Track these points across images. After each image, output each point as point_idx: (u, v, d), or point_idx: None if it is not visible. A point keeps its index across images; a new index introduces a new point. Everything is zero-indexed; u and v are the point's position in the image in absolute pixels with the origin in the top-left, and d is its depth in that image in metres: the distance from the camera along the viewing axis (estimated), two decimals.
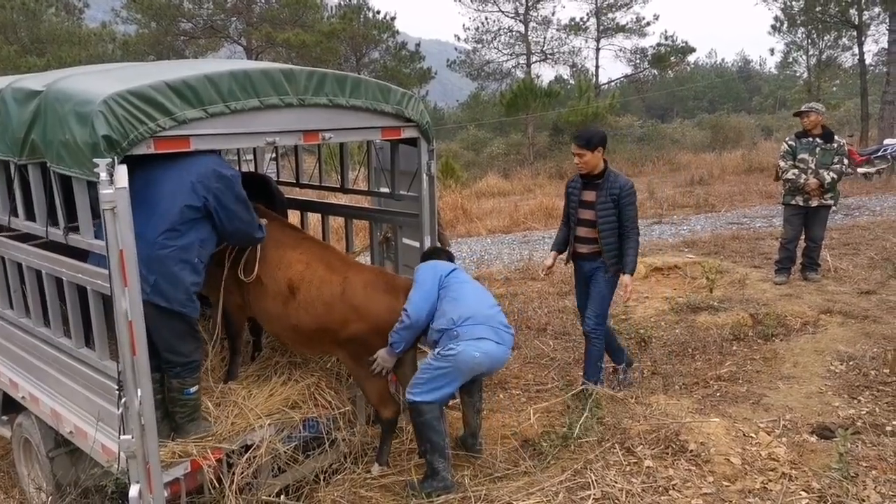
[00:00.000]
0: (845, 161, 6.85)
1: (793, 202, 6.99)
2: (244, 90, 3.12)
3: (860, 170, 15.93)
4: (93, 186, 2.77)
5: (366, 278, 3.79)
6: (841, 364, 4.95)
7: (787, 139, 7.17)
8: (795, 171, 6.85)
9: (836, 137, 6.92)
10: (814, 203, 6.87)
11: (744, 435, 3.94)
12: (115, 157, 2.67)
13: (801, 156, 6.87)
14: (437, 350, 3.58)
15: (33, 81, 3.28)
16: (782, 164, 7.00)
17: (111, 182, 2.62)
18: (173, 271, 3.13)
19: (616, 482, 3.47)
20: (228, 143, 3.30)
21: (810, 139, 6.89)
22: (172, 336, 3.26)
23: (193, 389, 3.37)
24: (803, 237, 7.16)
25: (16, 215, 3.56)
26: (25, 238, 3.62)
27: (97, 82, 3.00)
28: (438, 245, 4.38)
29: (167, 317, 3.18)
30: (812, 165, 6.79)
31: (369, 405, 4.04)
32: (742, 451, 3.75)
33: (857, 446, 3.75)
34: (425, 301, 3.63)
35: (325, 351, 3.93)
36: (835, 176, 6.75)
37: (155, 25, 26.33)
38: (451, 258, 4.15)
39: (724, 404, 4.43)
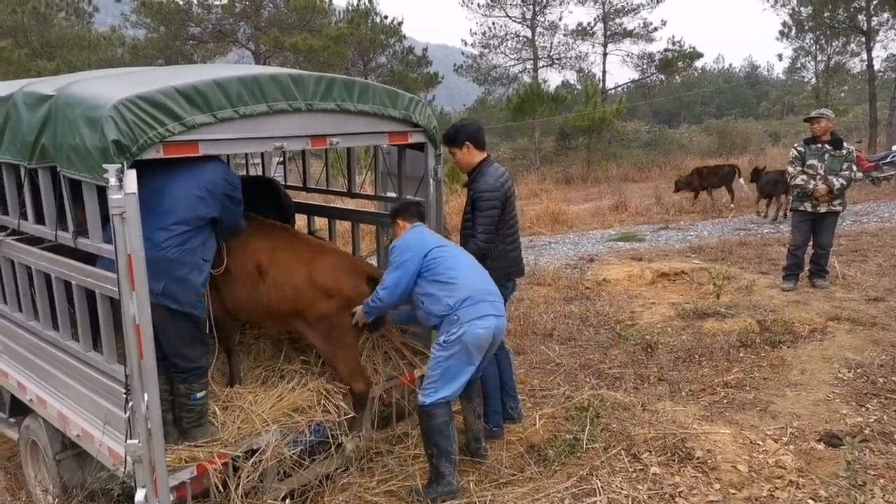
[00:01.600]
0: (854, 167, 6.82)
1: (801, 208, 6.97)
2: (253, 95, 3.14)
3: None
4: (102, 191, 2.79)
5: (333, 262, 3.93)
6: (849, 371, 4.92)
7: (795, 145, 7.17)
8: (804, 176, 6.84)
9: (844, 144, 6.91)
10: (822, 209, 6.84)
11: (751, 442, 3.92)
12: (125, 162, 2.69)
13: (810, 162, 6.85)
14: (441, 338, 3.54)
15: (44, 85, 3.30)
16: (791, 169, 6.99)
17: (120, 187, 2.63)
18: (182, 274, 3.17)
19: (622, 489, 3.46)
20: (237, 148, 3.32)
21: (819, 145, 6.87)
22: (181, 340, 3.28)
23: (200, 395, 3.39)
24: (811, 243, 7.13)
25: (25, 219, 3.59)
26: (33, 241, 3.65)
27: (107, 87, 3.02)
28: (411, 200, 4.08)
29: (177, 318, 3.21)
30: (821, 171, 6.77)
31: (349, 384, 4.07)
32: (749, 458, 3.74)
33: (865, 454, 3.73)
34: (399, 286, 3.58)
35: (295, 330, 3.99)
36: (844, 182, 6.72)
37: (164, 30, 26.49)
38: (421, 214, 3.96)
39: (730, 411, 4.41)
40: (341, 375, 3.93)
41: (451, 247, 3.79)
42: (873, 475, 3.54)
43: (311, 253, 3.92)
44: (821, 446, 3.90)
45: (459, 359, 3.53)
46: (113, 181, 2.61)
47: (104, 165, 2.65)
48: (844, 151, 6.82)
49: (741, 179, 14.15)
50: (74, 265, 3.23)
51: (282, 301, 3.76)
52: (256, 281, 3.75)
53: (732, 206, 14.06)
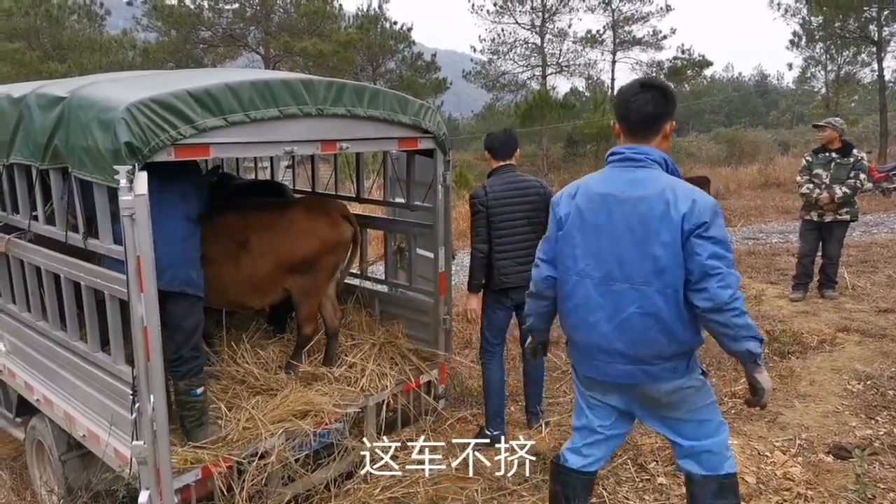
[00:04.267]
0: (862, 176, 6.74)
1: (807, 217, 6.97)
2: (264, 100, 3.15)
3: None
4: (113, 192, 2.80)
5: (304, 206, 4.22)
6: (858, 383, 4.89)
7: (805, 155, 7.21)
8: (810, 185, 6.84)
9: (854, 151, 6.84)
10: (828, 218, 6.81)
11: (759, 454, 3.89)
12: (136, 164, 2.71)
13: (815, 171, 6.86)
14: None
15: (57, 87, 3.32)
16: (798, 178, 7.04)
17: (131, 189, 2.65)
18: (193, 255, 3.42)
19: (628, 498, 3.44)
20: (248, 152, 3.34)
21: (826, 154, 6.86)
22: (196, 327, 3.42)
23: (200, 391, 3.42)
24: (820, 254, 7.10)
25: (36, 219, 3.61)
26: (39, 241, 3.68)
27: (120, 89, 3.04)
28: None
29: (195, 305, 3.40)
30: (825, 180, 6.75)
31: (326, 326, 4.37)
32: (757, 469, 3.71)
33: (874, 467, 3.70)
34: (548, 263, 2.68)
35: (280, 286, 4.08)
36: (847, 191, 6.66)
37: (175, 33, 26.63)
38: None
39: (738, 422, 4.38)
40: (300, 315, 4.18)
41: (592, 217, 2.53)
42: (883, 488, 3.51)
43: (283, 208, 4.18)
44: (829, 458, 3.87)
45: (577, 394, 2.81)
46: (124, 182, 2.63)
47: (115, 167, 2.67)
48: (851, 159, 6.76)
49: None
50: (84, 265, 3.25)
51: (269, 263, 3.95)
52: (238, 255, 3.92)
53: None
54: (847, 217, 6.84)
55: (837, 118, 7.23)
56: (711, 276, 2.29)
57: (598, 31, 32.51)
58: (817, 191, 6.77)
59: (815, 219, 6.89)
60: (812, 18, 27.11)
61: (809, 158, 7.00)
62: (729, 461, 2.61)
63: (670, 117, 2.52)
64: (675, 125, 2.65)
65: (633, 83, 2.54)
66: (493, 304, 4.20)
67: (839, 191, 6.65)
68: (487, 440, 4.14)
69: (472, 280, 4.15)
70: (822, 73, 31.00)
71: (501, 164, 4.19)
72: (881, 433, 4.14)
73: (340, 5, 28.23)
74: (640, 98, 2.48)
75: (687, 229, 2.32)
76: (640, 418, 2.71)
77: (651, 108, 2.47)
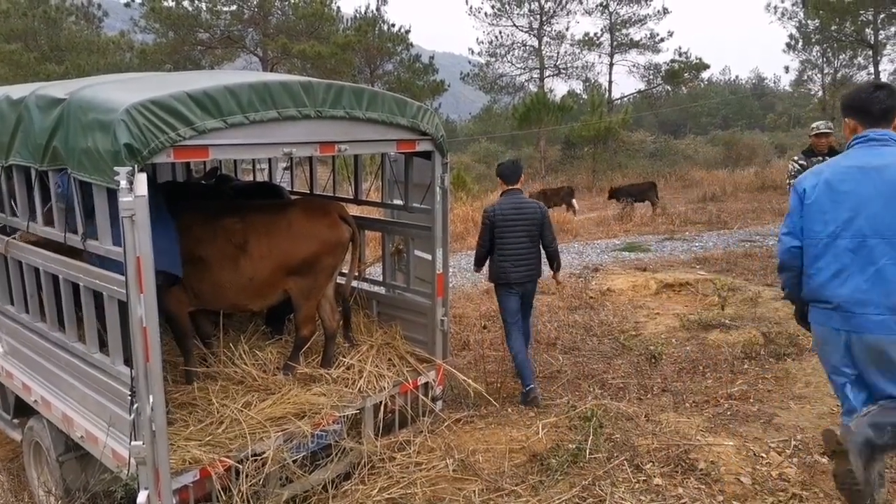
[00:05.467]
0: None
1: None
2: (263, 102, 3.16)
3: None
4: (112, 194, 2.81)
5: (304, 207, 4.24)
6: None
7: (795, 159, 7.10)
8: None
9: None
10: None
11: (754, 454, 3.90)
12: (136, 166, 2.72)
13: None
14: None
15: (56, 89, 3.34)
16: (792, 182, 6.99)
17: (130, 190, 2.66)
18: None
19: (624, 499, 3.45)
20: (246, 154, 3.36)
21: (821, 158, 6.86)
22: None
23: None
24: None
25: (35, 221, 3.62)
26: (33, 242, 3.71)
27: (120, 91, 3.05)
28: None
29: None
30: None
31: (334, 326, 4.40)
32: (752, 470, 3.72)
33: None
34: (790, 235, 3.05)
35: (279, 288, 4.11)
36: None
37: (172, 35, 26.67)
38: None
39: (734, 423, 4.39)
40: (298, 316, 4.21)
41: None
42: None
43: (281, 210, 4.19)
44: (825, 460, 3.87)
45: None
46: (123, 184, 2.64)
47: (115, 168, 2.68)
48: None
49: (574, 200, 17.45)
50: (83, 266, 3.26)
51: (269, 266, 3.97)
52: (237, 258, 3.94)
53: (574, 216, 16.65)
54: None
55: (830, 122, 7.27)
56: None
57: (595, 34, 32.69)
58: None
59: None
60: (808, 22, 27.26)
61: (804, 163, 6.92)
62: None
63: None
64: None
65: (866, 85, 3.12)
66: (503, 292, 5.16)
67: None
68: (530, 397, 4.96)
69: (474, 266, 5.39)
70: (819, 76, 31.18)
71: (510, 188, 5.13)
72: None
73: (338, 7, 28.32)
74: (879, 95, 2.99)
75: None
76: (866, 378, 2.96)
77: (891, 101, 2.97)
